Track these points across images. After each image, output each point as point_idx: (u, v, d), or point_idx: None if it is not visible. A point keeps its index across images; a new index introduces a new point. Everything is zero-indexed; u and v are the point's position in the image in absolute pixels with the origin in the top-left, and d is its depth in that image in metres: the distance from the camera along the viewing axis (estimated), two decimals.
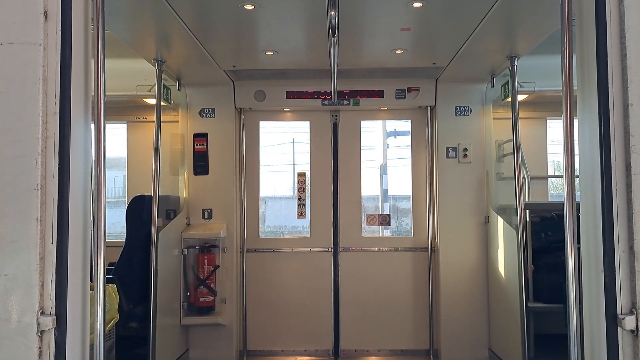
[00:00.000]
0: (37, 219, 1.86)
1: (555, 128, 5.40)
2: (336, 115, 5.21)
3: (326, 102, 4.99)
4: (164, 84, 4.34)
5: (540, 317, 4.19)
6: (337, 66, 3.63)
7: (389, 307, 5.06)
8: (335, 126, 5.22)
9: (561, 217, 2.23)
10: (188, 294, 4.69)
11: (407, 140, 5.30)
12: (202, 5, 3.17)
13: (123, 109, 5.25)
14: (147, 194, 4.31)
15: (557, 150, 5.57)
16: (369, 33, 3.71)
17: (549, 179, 5.53)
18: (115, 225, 5.89)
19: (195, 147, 4.93)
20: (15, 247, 1.85)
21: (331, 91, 4.53)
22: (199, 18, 3.39)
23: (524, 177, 4.43)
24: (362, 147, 5.22)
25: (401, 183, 5.52)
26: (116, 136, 5.49)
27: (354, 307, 5.08)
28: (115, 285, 3.56)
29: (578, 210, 2.21)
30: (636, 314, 1.92)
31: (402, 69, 4.64)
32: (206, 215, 4.90)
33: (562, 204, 2.20)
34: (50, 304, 1.87)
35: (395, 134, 6.26)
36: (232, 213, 4.93)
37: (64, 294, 1.90)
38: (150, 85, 4.44)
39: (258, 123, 5.24)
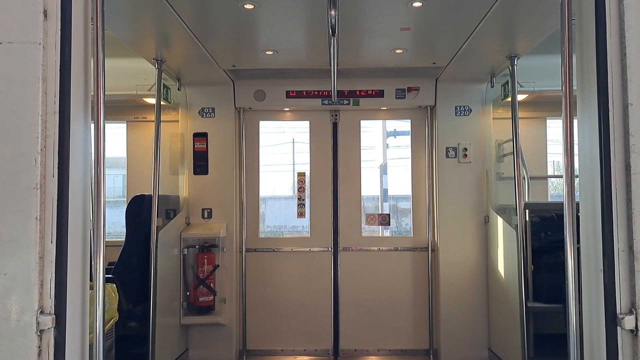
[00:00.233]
0: (36, 218, 1.86)
1: (555, 128, 5.40)
2: (336, 115, 5.21)
3: (326, 102, 4.99)
4: (163, 84, 4.34)
5: (540, 317, 4.19)
6: (337, 66, 3.63)
7: (389, 307, 5.06)
8: (335, 126, 5.22)
9: (561, 217, 2.23)
10: (188, 293, 4.69)
11: (407, 140, 5.30)
12: (202, 5, 3.17)
13: (123, 108, 5.24)
14: (146, 193, 4.31)
15: (557, 150, 5.57)
16: (369, 33, 3.71)
17: (549, 178, 5.53)
18: (115, 224, 5.89)
19: (195, 146, 4.93)
20: (15, 246, 1.85)
21: (331, 91, 4.53)
22: (199, 17, 3.39)
23: (524, 177, 4.43)
24: (362, 147, 5.22)
25: (401, 183, 5.52)
26: (116, 136, 5.49)
27: (354, 307, 5.08)
28: (114, 285, 3.55)
29: (578, 210, 2.21)
30: (635, 313, 1.92)
31: (402, 69, 4.64)
32: (206, 215, 4.90)
33: (562, 203, 2.20)
34: (49, 303, 1.87)
35: (395, 133, 6.25)
36: (232, 213, 4.93)
37: (63, 293, 1.90)
38: (150, 84, 4.44)
39: (258, 123, 5.24)
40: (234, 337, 4.85)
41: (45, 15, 1.92)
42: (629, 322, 1.92)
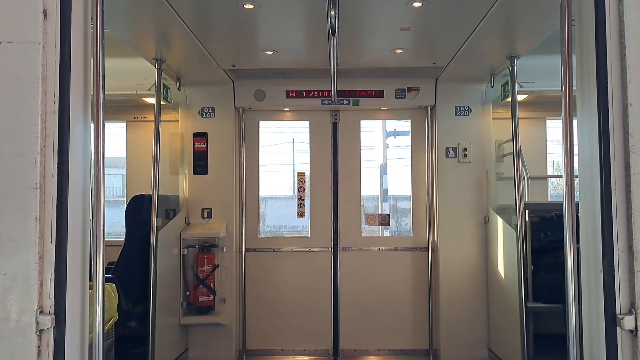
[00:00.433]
0: (36, 218, 1.86)
1: (555, 128, 5.40)
2: (336, 115, 5.21)
3: (326, 102, 4.99)
4: (163, 83, 4.34)
5: (540, 317, 4.19)
6: (337, 66, 3.63)
7: (389, 307, 5.06)
8: (335, 126, 5.22)
9: (560, 217, 2.23)
10: (187, 293, 4.69)
11: (406, 140, 5.30)
12: (201, 5, 3.17)
13: (122, 108, 5.24)
14: (146, 193, 4.31)
15: (556, 150, 5.57)
16: (369, 33, 3.71)
17: (549, 179, 5.53)
18: (115, 224, 5.89)
19: (195, 146, 4.93)
20: (14, 246, 1.84)
21: (331, 91, 4.52)
22: (199, 17, 3.39)
23: (524, 177, 4.43)
24: (361, 147, 5.22)
25: (401, 183, 5.52)
26: (116, 135, 5.49)
27: (354, 307, 5.08)
28: (114, 285, 3.56)
29: (577, 210, 2.21)
30: (635, 313, 1.92)
31: (402, 69, 4.64)
32: (206, 215, 4.90)
33: (562, 204, 2.20)
34: (49, 303, 1.87)
35: (395, 133, 6.26)
36: (232, 212, 4.93)
37: (63, 293, 1.90)
38: (150, 84, 4.44)
39: (258, 122, 5.24)
40: (234, 337, 4.85)
41: (45, 15, 1.92)
42: (628, 322, 1.92)
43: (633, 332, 1.93)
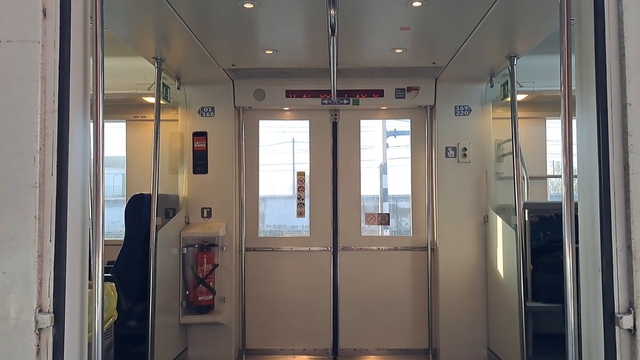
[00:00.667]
0: (35, 217, 1.86)
1: (554, 128, 5.40)
2: (336, 115, 5.21)
3: (326, 101, 4.99)
4: (163, 83, 4.34)
5: (539, 317, 4.19)
6: (337, 65, 3.64)
7: (388, 307, 5.06)
8: (334, 125, 5.22)
9: (560, 216, 2.23)
10: (187, 292, 4.69)
11: (406, 139, 5.30)
12: (201, 4, 3.17)
13: (122, 107, 5.24)
14: (146, 192, 4.31)
15: (556, 150, 5.57)
16: (369, 32, 3.71)
17: (548, 178, 5.53)
18: (115, 224, 5.89)
19: (195, 145, 4.93)
20: (14, 244, 1.85)
21: (331, 90, 4.53)
22: (199, 16, 3.39)
23: (523, 177, 4.43)
24: (361, 147, 5.22)
25: (401, 182, 5.52)
26: (115, 135, 5.49)
27: (353, 306, 5.08)
28: (113, 284, 3.56)
29: (576, 210, 2.21)
30: (633, 313, 1.92)
31: (401, 69, 4.64)
32: (205, 214, 4.90)
33: (561, 203, 2.20)
34: (48, 302, 1.87)
35: (394, 133, 6.26)
36: (232, 212, 4.93)
37: (62, 292, 1.90)
38: (150, 83, 4.44)
39: (257, 122, 5.24)
40: (233, 336, 4.85)
41: (45, 14, 1.92)
42: (627, 321, 1.92)
43: (631, 331, 1.93)
